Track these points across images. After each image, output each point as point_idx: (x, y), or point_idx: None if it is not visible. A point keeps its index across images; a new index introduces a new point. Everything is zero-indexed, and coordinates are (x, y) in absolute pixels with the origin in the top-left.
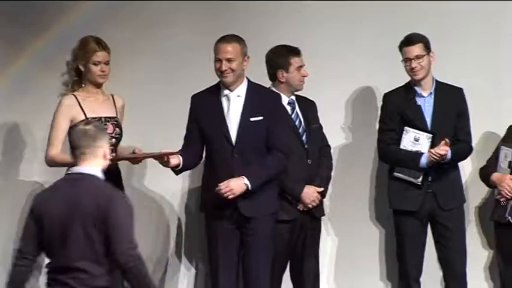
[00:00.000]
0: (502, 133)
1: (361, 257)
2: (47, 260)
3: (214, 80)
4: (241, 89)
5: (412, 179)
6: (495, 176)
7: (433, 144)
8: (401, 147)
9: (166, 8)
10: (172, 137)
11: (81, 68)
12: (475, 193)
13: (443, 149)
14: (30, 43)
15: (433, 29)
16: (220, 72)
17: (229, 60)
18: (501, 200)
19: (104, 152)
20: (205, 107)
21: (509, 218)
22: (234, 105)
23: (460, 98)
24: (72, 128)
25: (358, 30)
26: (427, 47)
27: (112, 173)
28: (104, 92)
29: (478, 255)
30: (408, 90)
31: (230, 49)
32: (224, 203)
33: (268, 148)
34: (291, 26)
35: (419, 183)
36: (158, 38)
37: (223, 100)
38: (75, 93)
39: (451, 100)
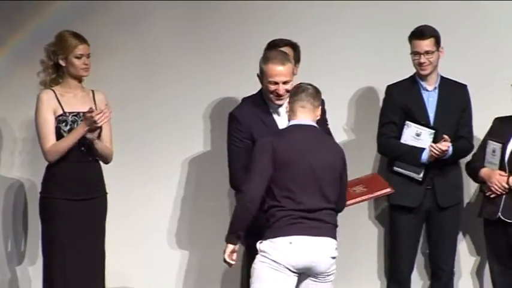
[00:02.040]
0: (485, 126)
1: (360, 256)
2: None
3: (194, 74)
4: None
5: (413, 174)
6: (484, 172)
7: (435, 141)
8: (402, 141)
9: (143, 1)
10: (149, 132)
11: (62, 63)
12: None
13: (445, 145)
14: (6, 40)
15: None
16: (277, 96)
17: (285, 82)
18: (491, 196)
19: (318, 111)
20: (255, 121)
21: (500, 215)
22: (284, 119)
23: (463, 95)
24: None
25: (357, 25)
26: (438, 42)
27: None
28: (84, 88)
29: (466, 252)
30: (413, 84)
31: (285, 71)
32: None
33: None
34: (283, 22)
35: (421, 179)
36: (135, 33)
37: (274, 115)
38: (53, 88)
39: (455, 96)
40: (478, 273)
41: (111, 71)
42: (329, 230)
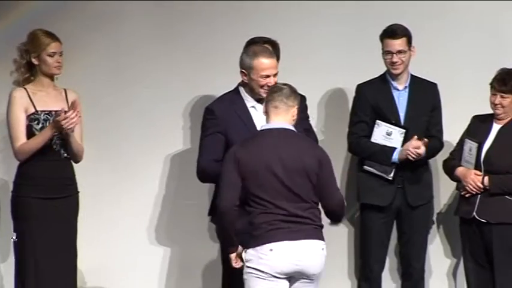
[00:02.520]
0: (460, 124)
1: (332, 255)
2: None
3: (168, 71)
4: None
5: (383, 174)
6: (459, 171)
7: (405, 140)
8: (373, 140)
9: (114, 1)
10: (124, 130)
11: (35, 61)
12: (442, 189)
13: (423, 149)
14: None
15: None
16: (268, 89)
17: (275, 75)
18: (466, 195)
19: (294, 111)
20: (232, 116)
21: (475, 214)
22: (261, 114)
23: (434, 93)
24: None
25: (327, 25)
26: (410, 42)
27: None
28: (56, 86)
29: (442, 252)
30: (383, 83)
31: (274, 64)
32: None
33: None
34: (254, 22)
35: (391, 179)
36: (108, 31)
37: (252, 110)
38: (25, 86)
39: (425, 95)
40: (453, 273)
41: (84, 69)
42: (311, 231)
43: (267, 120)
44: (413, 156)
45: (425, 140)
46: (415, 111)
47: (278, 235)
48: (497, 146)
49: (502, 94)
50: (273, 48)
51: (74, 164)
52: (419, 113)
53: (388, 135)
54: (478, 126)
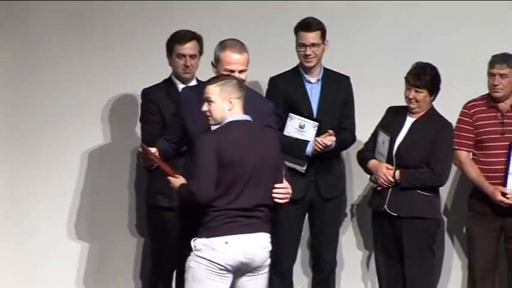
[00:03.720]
0: (373, 117)
1: None
2: None
3: (78, 69)
4: None
5: (297, 167)
6: (372, 164)
7: (318, 133)
8: (285, 133)
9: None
10: (34, 126)
11: None
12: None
13: (329, 139)
14: None
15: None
16: None
17: (241, 71)
18: (378, 188)
19: None
20: (194, 105)
21: (386, 207)
22: None
23: (346, 86)
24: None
25: (239, 16)
26: (324, 35)
27: None
28: None
29: (354, 244)
30: (296, 76)
31: (242, 60)
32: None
33: None
34: (167, 14)
35: (304, 171)
36: (21, 28)
37: None
38: None
39: (338, 88)
40: (366, 264)
41: None
42: (262, 224)
43: (232, 111)
44: (321, 147)
45: (330, 131)
46: (327, 104)
47: (234, 228)
48: (409, 140)
49: (417, 89)
50: (197, 42)
51: None
52: (332, 105)
53: (301, 128)
54: (392, 118)
